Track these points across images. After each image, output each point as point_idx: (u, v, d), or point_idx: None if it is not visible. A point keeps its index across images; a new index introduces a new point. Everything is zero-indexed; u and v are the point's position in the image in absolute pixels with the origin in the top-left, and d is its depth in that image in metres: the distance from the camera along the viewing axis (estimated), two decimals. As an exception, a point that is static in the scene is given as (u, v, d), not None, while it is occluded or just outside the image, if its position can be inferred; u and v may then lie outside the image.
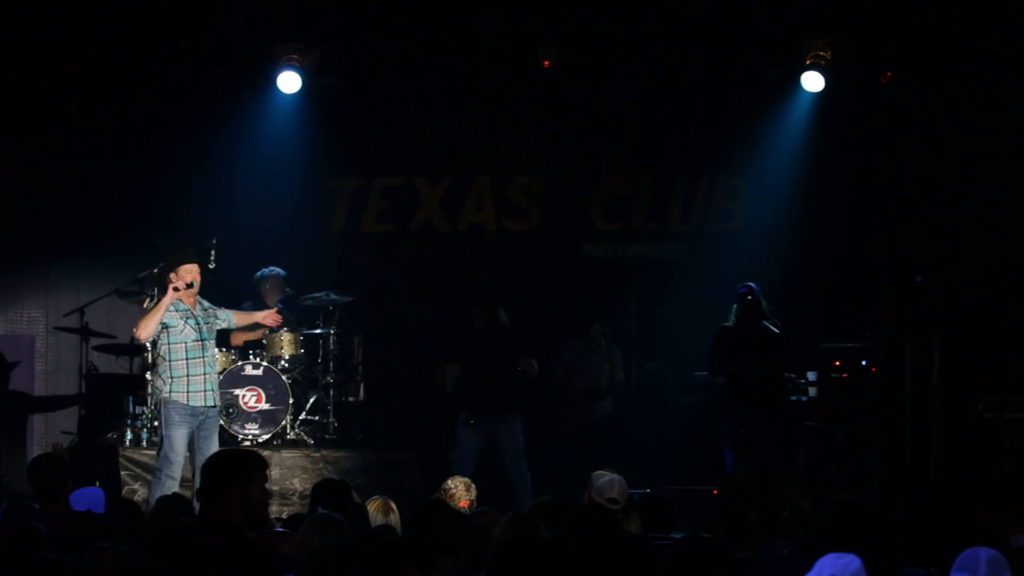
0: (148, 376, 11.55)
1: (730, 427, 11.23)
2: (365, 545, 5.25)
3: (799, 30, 12.63)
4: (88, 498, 6.35)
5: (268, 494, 5.59)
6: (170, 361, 9.64)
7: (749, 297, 11.13)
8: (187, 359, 9.66)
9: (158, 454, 9.70)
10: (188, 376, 9.63)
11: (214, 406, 9.86)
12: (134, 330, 9.65)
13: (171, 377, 9.61)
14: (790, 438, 11.58)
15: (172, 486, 9.32)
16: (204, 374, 9.72)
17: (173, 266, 9.74)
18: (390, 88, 13.10)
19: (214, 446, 9.66)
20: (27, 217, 13.03)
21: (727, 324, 11.26)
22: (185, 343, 9.68)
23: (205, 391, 9.70)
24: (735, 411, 11.14)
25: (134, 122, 12.92)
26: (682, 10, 12.47)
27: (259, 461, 5.45)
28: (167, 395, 9.58)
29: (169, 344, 9.66)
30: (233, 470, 5.33)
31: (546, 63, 12.81)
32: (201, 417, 9.69)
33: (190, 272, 9.74)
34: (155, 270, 9.92)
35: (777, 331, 11.24)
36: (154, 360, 10.19)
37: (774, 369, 11.22)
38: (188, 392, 9.61)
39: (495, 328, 11.09)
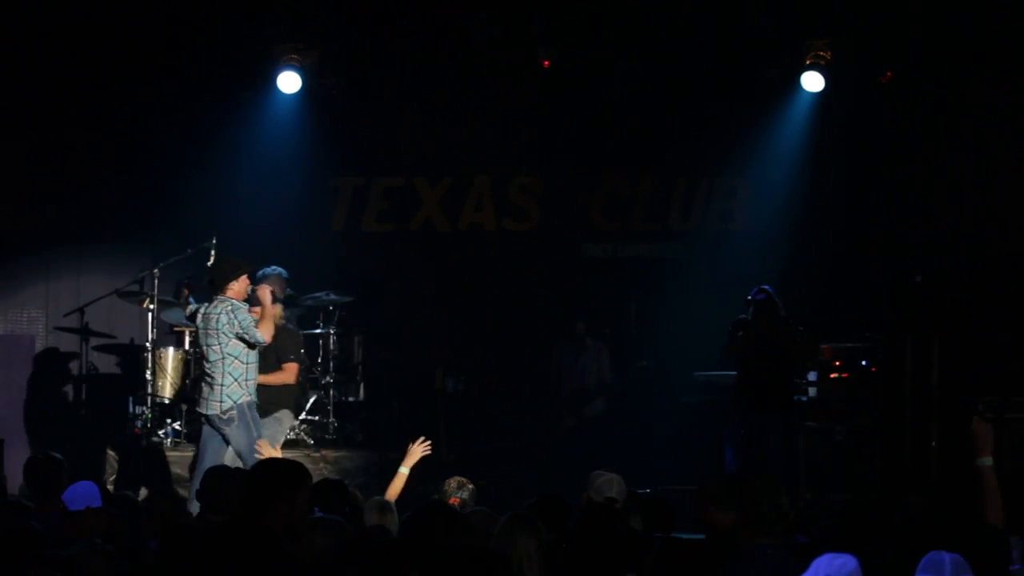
0: (148, 376, 11.55)
1: (730, 426, 11.23)
2: (363, 546, 5.24)
3: (799, 30, 12.64)
4: (82, 495, 6.30)
5: (310, 509, 5.55)
6: (248, 364, 9.76)
7: (761, 297, 11.11)
8: (256, 363, 9.85)
9: (247, 455, 9.64)
10: (255, 379, 9.82)
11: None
12: (262, 337, 9.66)
13: (247, 380, 9.73)
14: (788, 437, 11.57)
15: None
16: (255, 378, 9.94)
17: (236, 275, 9.81)
18: (390, 88, 13.11)
19: None
20: (27, 217, 13.04)
21: (745, 317, 11.23)
22: (255, 352, 9.85)
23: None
24: (744, 408, 11.10)
25: (134, 122, 12.93)
26: (682, 10, 12.48)
27: (306, 474, 5.43)
28: (249, 398, 9.72)
29: (249, 350, 9.78)
30: (282, 481, 5.28)
31: (546, 63, 12.83)
32: None
33: (246, 282, 9.88)
34: (215, 279, 9.88)
35: (796, 329, 11.25)
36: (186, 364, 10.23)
37: (802, 354, 11.24)
38: (253, 395, 9.79)
39: None
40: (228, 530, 4.83)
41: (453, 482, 7.91)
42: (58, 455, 6.83)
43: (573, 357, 12.87)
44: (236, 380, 9.67)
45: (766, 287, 11.27)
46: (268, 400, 10.31)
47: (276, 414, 10.46)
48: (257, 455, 8.74)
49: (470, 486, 7.86)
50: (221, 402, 9.65)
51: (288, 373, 10.50)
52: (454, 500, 7.62)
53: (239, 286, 9.79)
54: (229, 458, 9.96)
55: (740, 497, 5.51)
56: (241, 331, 9.63)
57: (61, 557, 4.81)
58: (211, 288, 9.88)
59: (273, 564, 4.74)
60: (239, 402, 9.64)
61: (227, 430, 9.68)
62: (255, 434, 9.62)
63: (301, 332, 12.29)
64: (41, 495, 6.74)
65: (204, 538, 5.14)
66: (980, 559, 4.75)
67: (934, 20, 12.17)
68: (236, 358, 9.69)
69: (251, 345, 9.68)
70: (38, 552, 5.09)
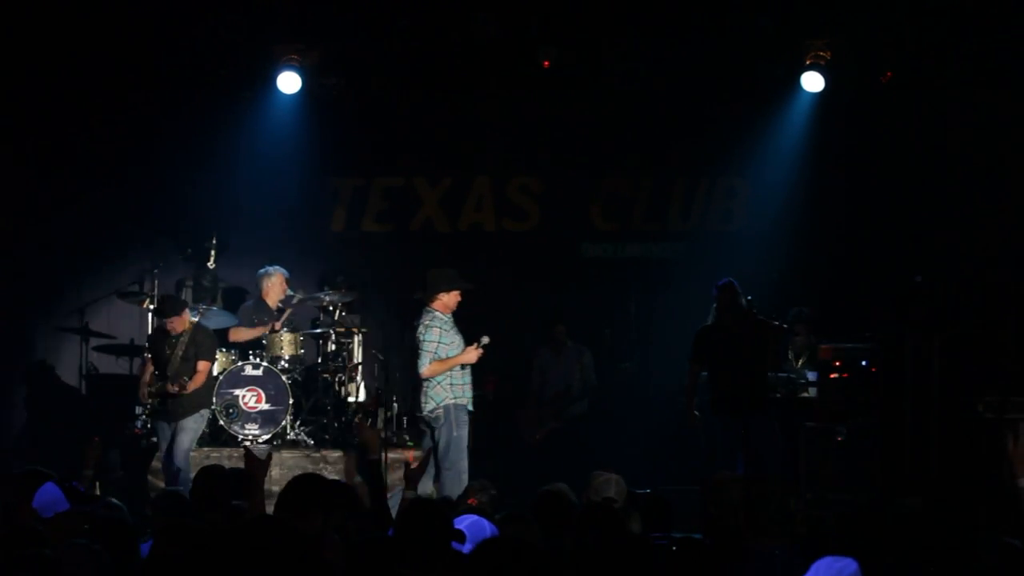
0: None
1: (720, 428, 11.13)
2: (358, 546, 5.20)
3: (799, 30, 12.64)
4: (49, 500, 6.13)
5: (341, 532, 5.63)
6: (451, 371, 10.13)
7: (721, 289, 11.01)
8: (462, 367, 10.16)
9: (444, 454, 10.09)
10: (464, 384, 10.18)
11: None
12: (421, 370, 10.11)
13: (451, 384, 10.13)
14: (787, 437, 11.54)
15: (465, 479, 9.82)
16: (471, 381, 10.29)
17: (448, 288, 10.15)
18: (390, 88, 13.10)
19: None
20: (28, 217, 13.03)
21: (707, 324, 11.16)
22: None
23: (471, 396, 10.28)
24: (722, 412, 10.94)
25: (135, 123, 12.92)
26: (682, 10, 12.47)
27: (343, 497, 5.53)
28: (453, 400, 10.12)
29: (451, 356, 10.13)
30: (323, 493, 5.44)
31: (546, 63, 12.82)
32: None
33: (457, 300, 10.21)
34: (427, 286, 10.23)
35: (760, 323, 11.14)
36: None
37: (765, 361, 11.14)
38: (467, 397, 10.19)
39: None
40: (254, 529, 4.80)
41: (477, 483, 7.96)
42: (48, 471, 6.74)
43: (553, 360, 12.88)
44: (439, 384, 10.13)
45: (729, 278, 11.20)
46: (191, 400, 10.74)
47: (201, 411, 10.92)
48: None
49: (492, 491, 7.87)
50: (426, 404, 10.18)
51: (201, 374, 10.82)
52: (472, 500, 7.61)
53: (448, 299, 10.19)
54: (182, 449, 10.58)
55: (748, 498, 5.51)
56: (418, 346, 10.09)
57: (45, 557, 4.77)
58: (422, 295, 10.23)
59: (301, 564, 4.74)
60: (443, 404, 10.11)
61: (436, 428, 10.17)
62: (455, 434, 10.09)
63: (300, 332, 12.33)
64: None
65: (218, 537, 5.10)
66: (976, 560, 4.76)
67: (934, 20, 12.14)
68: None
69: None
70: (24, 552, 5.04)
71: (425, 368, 10.06)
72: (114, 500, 6.35)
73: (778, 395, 11.96)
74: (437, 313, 10.11)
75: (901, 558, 5.29)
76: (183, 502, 6.99)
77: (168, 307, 10.88)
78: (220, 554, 4.66)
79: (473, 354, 10.10)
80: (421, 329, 10.08)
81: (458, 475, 9.95)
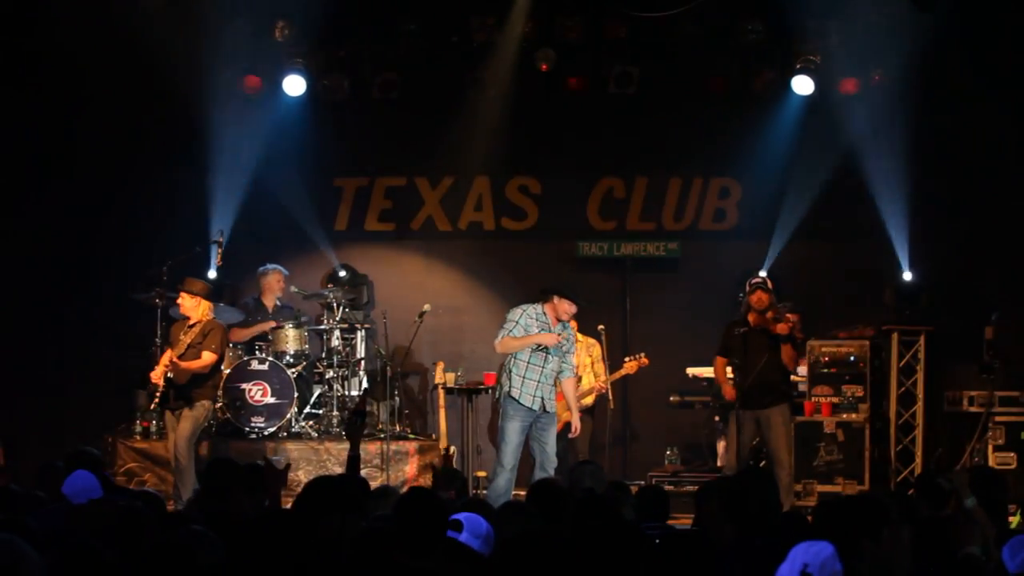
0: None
1: (725, 421, 11.26)
2: (363, 536, 5.32)
3: (790, 34, 12.83)
4: (82, 488, 6.18)
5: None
6: (516, 360, 10.17)
7: (755, 288, 11.16)
8: (528, 363, 10.14)
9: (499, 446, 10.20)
10: (524, 378, 10.11)
11: (546, 412, 10.22)
12: (496, 342, 10.19)
13: (510, 373, 10.16)
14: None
15: (502, 472, 9.93)
16: (537, 382, 10.15)
17: (557, 295, 10.22)
18: (393, 91, 13.28)
19: (552, 440, 10.20)
20: (29, 217, 13.08)
21: (736, 319, 11.28)
22: (530, 349, 10.17)
23: (535, 396, 10.14)
24: (742, 406, 10.88)
25: (142, 122, 13.04)
26: (677, 13, 12.62)
27: (365, 500, 5.60)
28: (507, 390, 10.15)
29: (530, 351, 10.16)
30: (338, 496, 5.36)
31: (544, 67, 12.99)
32: (535, 417, 10.17)
33: (569, 311, 10.27)
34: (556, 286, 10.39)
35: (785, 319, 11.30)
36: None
37: (783, 362, 11.24)
38: (522, 393, 10.10)
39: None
40: (267, 524, 4.81)
41: (443, 473, 8.04)
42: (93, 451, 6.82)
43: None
44: (507, 371, 10.19)
45: (762, 275, 11.38)
46: (193, 390, 10.82)
47: (202, 402, 10.93)
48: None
49: (458, 484, 7.99)
50: (500, 386, 10.27)
51: (201, 361, 10.86)
52: (451, 494, 7.75)
53: (560, 307, 10.21)
54: (183, 437, 10.65)
55: (731, 492, 5.63)
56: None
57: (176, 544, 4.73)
58: (585, 304, 10.46)
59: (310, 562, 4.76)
60: (503, 391, 10.18)
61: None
62: (501, 424, 10.12)
63: (305, 327, 12.53)
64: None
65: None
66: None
67: (926, 22, 12.25)
68: (515, 356, 10.19)
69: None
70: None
71: (496, 341, 10.16)
72: (153, 490, 6.42)
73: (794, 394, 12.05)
74: (541, 309, 10.20)
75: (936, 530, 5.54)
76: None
77: (186, 282, 11.05)
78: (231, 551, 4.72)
79: (551, 337, 10.09)
80: (510, 310, 10.25)
81: (498, 462, 10.06)
